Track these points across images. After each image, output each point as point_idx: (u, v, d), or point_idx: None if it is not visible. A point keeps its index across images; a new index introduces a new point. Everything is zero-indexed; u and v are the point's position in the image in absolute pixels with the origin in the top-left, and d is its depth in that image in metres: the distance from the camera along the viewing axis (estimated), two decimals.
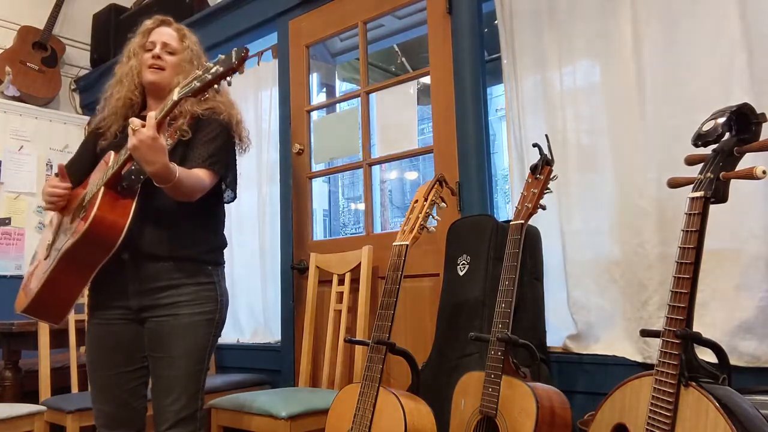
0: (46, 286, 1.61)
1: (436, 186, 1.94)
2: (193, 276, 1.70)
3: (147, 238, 1.66)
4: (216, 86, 1.44)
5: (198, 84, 1.42)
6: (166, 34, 1.79)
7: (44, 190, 1.72)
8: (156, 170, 1.49)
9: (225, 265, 1.83)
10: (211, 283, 1.73)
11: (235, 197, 1.83)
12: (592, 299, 2.03)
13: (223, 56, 1.42)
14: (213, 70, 1.41)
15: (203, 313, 1.70)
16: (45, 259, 1.71)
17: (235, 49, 1.41)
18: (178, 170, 1.55)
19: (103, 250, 1.57)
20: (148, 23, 1.83)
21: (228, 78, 1.41)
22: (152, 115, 1.47)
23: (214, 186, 1.72)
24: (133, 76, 1.79)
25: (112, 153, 1.65)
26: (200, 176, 1.66)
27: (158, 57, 1.75)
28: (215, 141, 1.72)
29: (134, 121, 1.47)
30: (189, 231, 1.71)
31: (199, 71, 1.44)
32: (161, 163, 1.49)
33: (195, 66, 1.75)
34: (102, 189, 1.55)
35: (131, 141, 1.46)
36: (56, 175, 1.74)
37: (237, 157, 1.82)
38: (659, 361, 1.23)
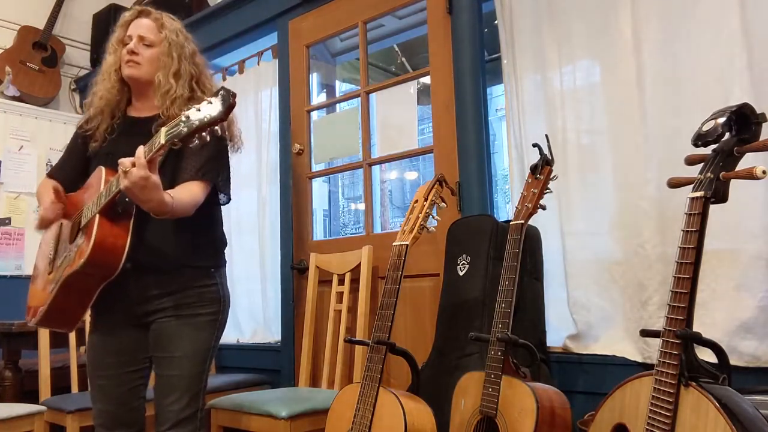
0: (53, 304, 1.62)
1: (436, 186, 1.94)
2: (196, 279, 1.70)
3: (148, 251, 1.64)
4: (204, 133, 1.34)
5: (185, 131, 1.33)
6: (143, 26, 1.72)
7: (40, 214, 1.65)
8: (151, 207, 1.46)
9: (227, 264, 1.82)
10: (214, 284, 1.73)
11: (229, 200, 1.78)
12: (593, 299, 2.03)
13: (210, 99, 1.33)
14: (201, 117, 1.32)
15: (207, 314, 1.70)
16: (49, 273, 1.70)
17: (222, 92, 1.32)
18: (173, 198, 1.50)
19: (107, 271, 1.57)
20: (126, 15, 1.76)
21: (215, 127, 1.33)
22: (141, 155, 1.39)
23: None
24: (111, 73, 1.74)
25: (103, 169, 1.60)
26: (194, 192, 1.61)
27: (133, 52, 1.69)
28: (205, 150, 1.63)
29: (124, 162, 1.39)
30: (189, 239, 1.69)
31: (187, 111, 1.35)
32: (156, 200, 1.44)
33: (174, 59, 1.70)
34: (97, 216, 1.52)
35: (123, 182, 1.39)
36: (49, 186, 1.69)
37: (231, 157, 1.77)
38: (659, 361, 1.23)
